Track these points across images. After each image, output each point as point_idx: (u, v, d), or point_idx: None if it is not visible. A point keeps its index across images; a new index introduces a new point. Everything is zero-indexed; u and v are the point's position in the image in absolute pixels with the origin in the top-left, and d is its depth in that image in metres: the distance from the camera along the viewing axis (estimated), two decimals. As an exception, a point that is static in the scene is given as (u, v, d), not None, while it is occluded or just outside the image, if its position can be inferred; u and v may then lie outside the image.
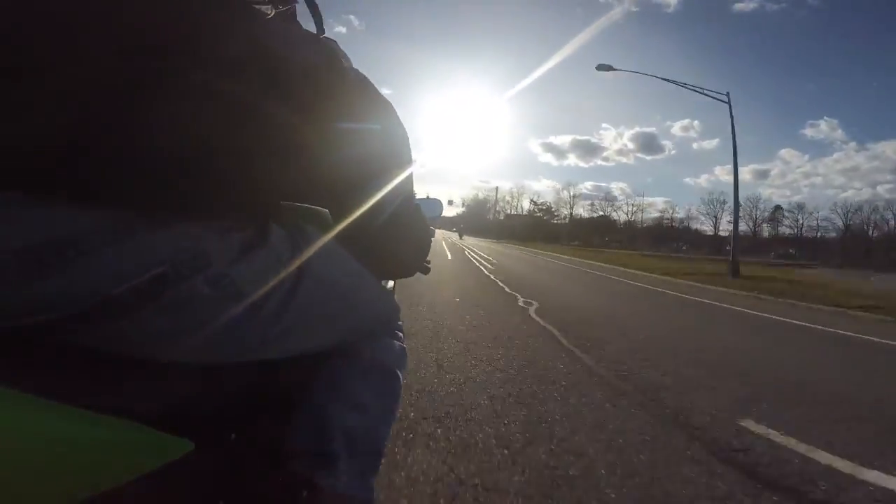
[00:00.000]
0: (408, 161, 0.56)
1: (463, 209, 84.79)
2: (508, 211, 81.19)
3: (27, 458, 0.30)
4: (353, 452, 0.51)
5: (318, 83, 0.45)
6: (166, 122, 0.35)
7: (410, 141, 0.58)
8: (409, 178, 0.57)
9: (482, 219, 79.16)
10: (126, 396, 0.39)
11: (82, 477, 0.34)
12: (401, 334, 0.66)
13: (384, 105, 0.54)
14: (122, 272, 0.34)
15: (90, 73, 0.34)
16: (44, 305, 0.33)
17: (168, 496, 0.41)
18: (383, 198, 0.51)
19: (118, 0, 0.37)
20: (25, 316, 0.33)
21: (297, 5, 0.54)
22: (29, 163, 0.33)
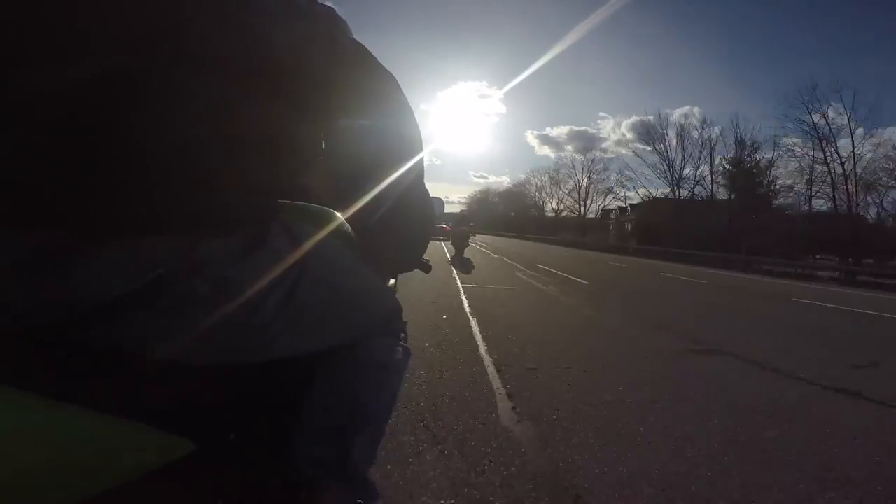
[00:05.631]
0: (417, 143, 0.54)
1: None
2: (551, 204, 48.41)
3: (28, 457, 0.30)
4: (352, 452, 0.51)
5: (313, 75, 0.44)
6: (160, 126, 0.35)
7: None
8: (420, 163, 0.55)
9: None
10: (127, 396, 0.38)
11: (83, 476, 0.34)
12: (403, 333, 0.65)
13: (389, 87, 0.52)
14: (121, 276, 0.34)
15: (75, 76, 0.32)
16: (45, 310, 0.33)
17: (169, 495, 0.41)
18: (386, 188, 0.51)
19: None
20: (27, 320, 0.33)
21: None
22: (18, 170, 0.32)
